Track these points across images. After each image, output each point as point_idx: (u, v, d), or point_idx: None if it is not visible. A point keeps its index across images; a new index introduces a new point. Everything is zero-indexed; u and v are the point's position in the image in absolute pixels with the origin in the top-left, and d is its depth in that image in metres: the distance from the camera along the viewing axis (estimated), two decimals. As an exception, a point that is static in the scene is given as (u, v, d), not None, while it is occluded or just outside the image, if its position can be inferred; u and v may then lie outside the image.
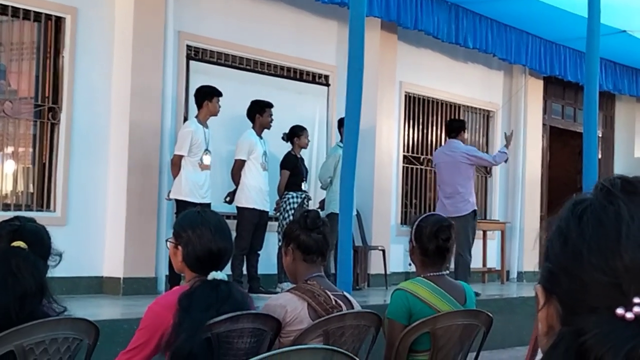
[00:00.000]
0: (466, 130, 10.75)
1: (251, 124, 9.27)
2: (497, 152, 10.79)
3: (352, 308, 3.95)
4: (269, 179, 9.33)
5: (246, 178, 9.11)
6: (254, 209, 9.09)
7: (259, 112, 9.26)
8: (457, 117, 12.86)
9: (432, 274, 4.16)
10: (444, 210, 9.69)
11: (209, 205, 8.24)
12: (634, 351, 0.97)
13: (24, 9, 8.33)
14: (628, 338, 0.97)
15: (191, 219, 3.55)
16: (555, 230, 1.11)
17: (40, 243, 3.30)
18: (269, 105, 9.34)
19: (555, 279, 1.09)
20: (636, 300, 1.00)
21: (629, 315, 1.00)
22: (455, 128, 10.43)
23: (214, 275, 3.35)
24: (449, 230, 4.16)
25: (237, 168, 9.13)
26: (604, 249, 1.04)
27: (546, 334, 1.10)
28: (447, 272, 4.29)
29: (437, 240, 4.12)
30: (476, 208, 10.21)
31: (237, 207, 9.14)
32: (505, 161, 10.56)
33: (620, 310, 1.00)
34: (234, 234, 8.69)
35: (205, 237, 3.44)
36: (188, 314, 3.21)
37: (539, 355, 1.16)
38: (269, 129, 9.36)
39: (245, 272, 9.10)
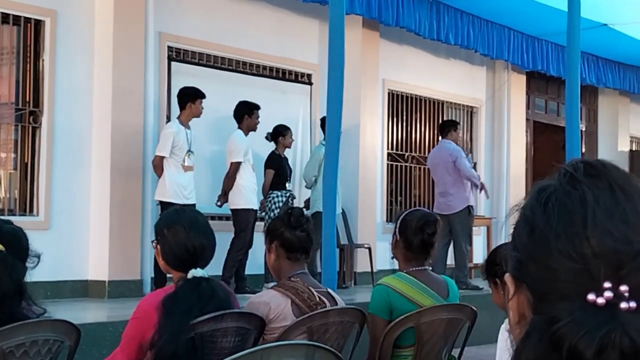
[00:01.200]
0: (457, 129, 10.80)
1: (237, 125, 9.24)
2: (477, 174, 10.83)
3: (336, 304, 3.94)
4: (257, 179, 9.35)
5: (241, 179, 9.08)
6: (250, 209, 9.08)
7: (247, 113, 9.23)
8: (441, 113, 12.91)
9: (414, 268, 4.16)
10: (439, 208, 9.90)
11: (193, 206, 8.22)
12: (608, 336, 0.96)
13: (2, 13, 8.28)
14: (601, 324, 0.97)
15: (167, 217, 3.61)
16: (521, 219, 1.10)
17: (18, 245, 3.26)
18: (257, 107, 9.32)
19: (524, 267, 1.07)
20: (606, 285, 0.99)
21: (600, 300, 0.99)
22: (443, 129, 10.74)
23: (193, 273, 3.36)
24: (434, 225, 4.16)
25: (234, 170, 9.05)
26: (571, 235, 1.03)
27: (518, 323, 1.09)
28: (430, 267, 4.28)
29: (423, 234, 4.12)
30: (471, 204, 10.34)
31: (233, 209, 9.10)
32: (477, 187, 10.64)
33: (591, 296, 0.99)
34: (219, 235, 8.72)
35: (180, 235, 3.45)
36: (170, 316, 3.22)
37: None
38: (255, 130, 9.34)
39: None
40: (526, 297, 1.08)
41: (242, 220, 9.05)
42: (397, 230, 4.19)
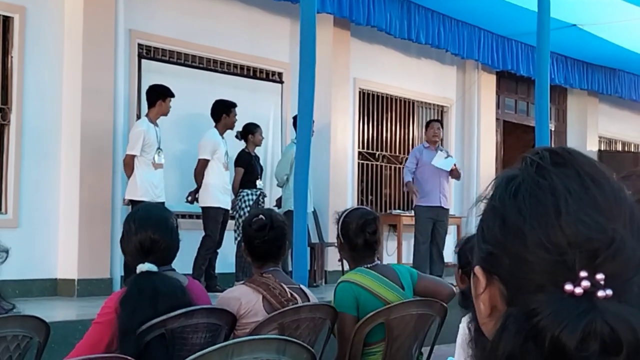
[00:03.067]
0: (427, 129, 11.13)
1: (213, 124, 9.23)
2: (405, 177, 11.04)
3: (309, 301, 3.94)
4: (229, 178, 9.32)
5: (209, 177, 9.06)
6: (219, 207, 9.06)
7: (225, 112, 9.23)
8: (411, 112, 12.97)
9: (366, 265, 4.15)
10: None
11: (162, 204, 8.19)
12: (590, 326, 0.95)
13: (-30, 9, 8.20)
14: (582, 314, 0.96)
15: (127, 215, 3.69)
16: (489, 210, 1.09)
17: None
18: (234, 105, 9.33)
19: (496, 259, 1.06)
20: (582, 274, 0.99)
21: (578, 290, 0.98)
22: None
23: (140, 267, 3.39)
24: (374, 222, 4.15)
25: (201, 167, 9.07)
26: (545, 225, 1.02)
27: (489, 316, 1.07)
28: (379, 261, 4.27)
29: (364, 234, 4.10)
30: (421, 204, 10.69)
31: (203, 207, 9.08)
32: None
33: (568, 286, 0.99)
34: (191, 233, 8.70)
35: (131, 231, 3.52)
36: (120, 319, 3.23)
37: None
38: (232, 129, 9.34)
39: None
40: (498, 289, 1.06)
41: (211, 219, 9.04)
42: (339, 232, 4.17)
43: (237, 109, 9.53)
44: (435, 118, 12.34)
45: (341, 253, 4.24)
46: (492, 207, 1.09)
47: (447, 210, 10.97)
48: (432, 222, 10.70)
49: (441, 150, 10.97)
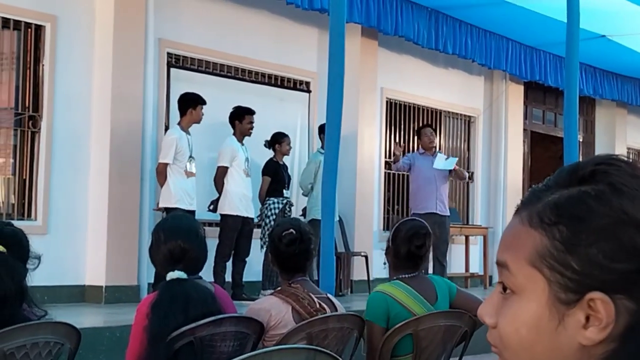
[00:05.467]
0: (420, 136, 10.89)
1: (232, 131, 9.27)
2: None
3: (336, 310, 3.94)
4: (252, 186, 9.33)
5: (229, 185, 9.09)
6: (237, 215, 9.08)
7: (238, 118, 9.26)
8: (438, 122, 12.93)
9: (404, 275, 4.16)
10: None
11: (193, 213, 8.24)
12: None
13: (3, 18, 8.29)
14: None
15: (157, 223, 3.72)
16: (610, 227, 1.01)
17: (18, 246, 3.27)
18: (249, 112, 9.33)
19: (633, 274, 1.00)
20: None
21: None
22: None
23: (170, 275, 3.41)
24: (423, 237, 4.16)
25: (220, 175, 9.11)
26: None
27: (605, 339, 1.01)
28: (422, 271, 4.28)
29: (410, 244, 4.12)
30: (416, 212, 10.15)
31: (221, 215, 9.12)
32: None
33: None
34: (215, 241, 8.72)
35: (160, 239, 3.56)
36: (151, 324, 3.25)
37: None
38: (249, 135, 9.35)
39: (229, 278, 9.09)
40: (623, 306, 1.01)
41: (227, 226, 9.05)
42: (390, 237, 4.22)
43: (264, 118, 9.55)
44: (426, 123, 11.97)
45: (387, 257, 4.26)
46: (615, 221, 1.01)
47: (446, 217, 10.43)
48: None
49: (440, 153, 10.77)
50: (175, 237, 3.51)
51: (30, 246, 3.38)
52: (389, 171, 12.39)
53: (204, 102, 8.78)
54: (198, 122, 8.81)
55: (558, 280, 1.02)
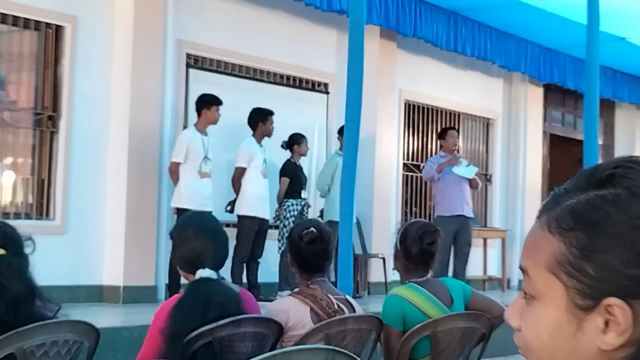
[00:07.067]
0: (444, 138, 10.77)
1: (251, 132, 9.27)
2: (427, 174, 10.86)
3: (354, 312, 3.93)
4: (269, 187, 9.33)
5: (247, 186, 9.10)
6: (254, 217, 9.08)
7: (261, 120, 9.26)
8: (457, 124, 12.88)
9: (417, 279, 4.14)
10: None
11: (210, 213, 8.23)
12: None
13: (24, 18, 8.33)
14: None
15: (178, 222, 3.68)
16: (623, 235, 1.01)
17: (11, 240, 3.19)
18: (271, 113, 9.35)
19: None
20: None
21: None
22: None
23: (200, 273, 3.42)
24: (434, 235, 4.15)
25: (238, 176, 9.12)
26: None
27: (623, 345, 1.02)
28: (432, 274, 4.26)
29: (422, 243, 4.11)
30: (443, 214, 10.24)
31: (238, 215, 9.13)
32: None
33: None
34: (233, 242, 8.73)
35: (189, 238, 3.52)
36: (170, 324, 3.25)
37: None
38: (270, 136, 9.36)
39: (245, 280, 9.09)
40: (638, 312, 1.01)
41: (245, 227, 9.06)
42: (397, 240, 4.20)
43: (282, 119, 9.56)
44: (450, 126, 11.95)
45: (395, 262, 4.24)
46: (632, 227, 1.01)
47: (470, 219, 10.47)
48: (453, 235, 10.07)
49: (462, 158, 10.75)
50: (205, 235, 3.51)
51: (16, 230, 3.27)
52: (407, 173, 12.36)
53: (219, 103, 8.79)
54: (214, 123, 8.82)
55: (575, 286, 1.03)
